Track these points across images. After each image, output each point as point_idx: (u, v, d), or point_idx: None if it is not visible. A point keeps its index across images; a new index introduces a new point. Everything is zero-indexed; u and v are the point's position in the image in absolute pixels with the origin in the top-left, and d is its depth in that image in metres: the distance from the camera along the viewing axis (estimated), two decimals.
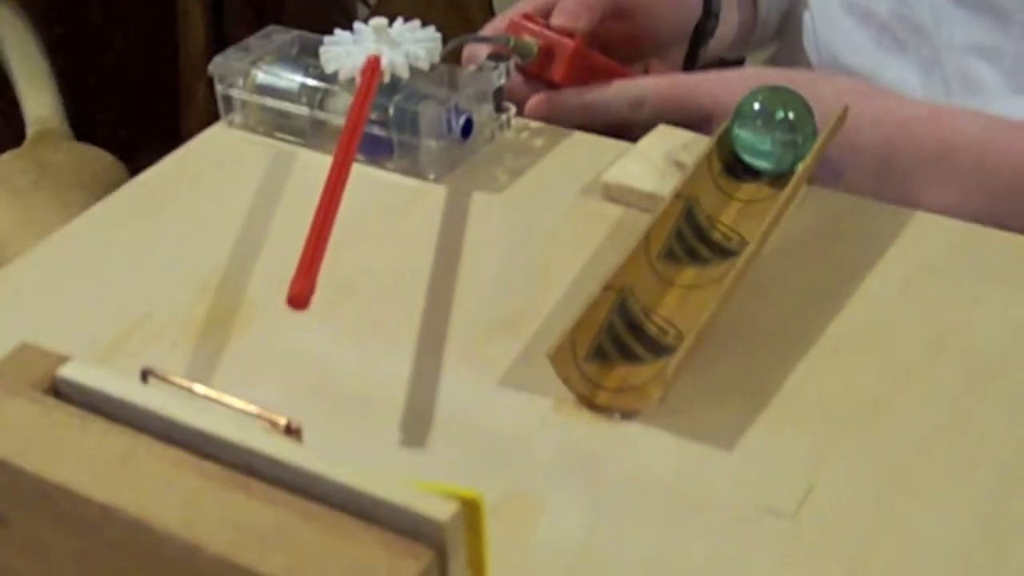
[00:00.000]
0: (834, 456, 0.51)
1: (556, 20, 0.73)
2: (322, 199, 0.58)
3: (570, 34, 0.73)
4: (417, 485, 0.39)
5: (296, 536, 0.38)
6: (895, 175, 0.68)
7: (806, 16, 0.87)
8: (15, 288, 0.63)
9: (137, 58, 1.92)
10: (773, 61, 0.96)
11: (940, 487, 0.49)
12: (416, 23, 0.70)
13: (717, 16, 0.82)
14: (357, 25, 0.70)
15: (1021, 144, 0.67)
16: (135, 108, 1.93)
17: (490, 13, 1.85)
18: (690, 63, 0.83)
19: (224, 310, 0.60)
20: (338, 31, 0.70)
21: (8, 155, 1.28)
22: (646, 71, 0.77)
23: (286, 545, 0.38)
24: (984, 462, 0.50)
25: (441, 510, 0.37)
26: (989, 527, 0.48)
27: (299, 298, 0.53)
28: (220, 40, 1.88)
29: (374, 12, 1.88)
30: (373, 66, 0.66)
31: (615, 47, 0.76)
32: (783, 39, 0.94)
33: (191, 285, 0.62)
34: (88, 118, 1.92)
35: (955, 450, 0.51)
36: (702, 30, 0.82)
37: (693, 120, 0.71)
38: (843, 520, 0.48)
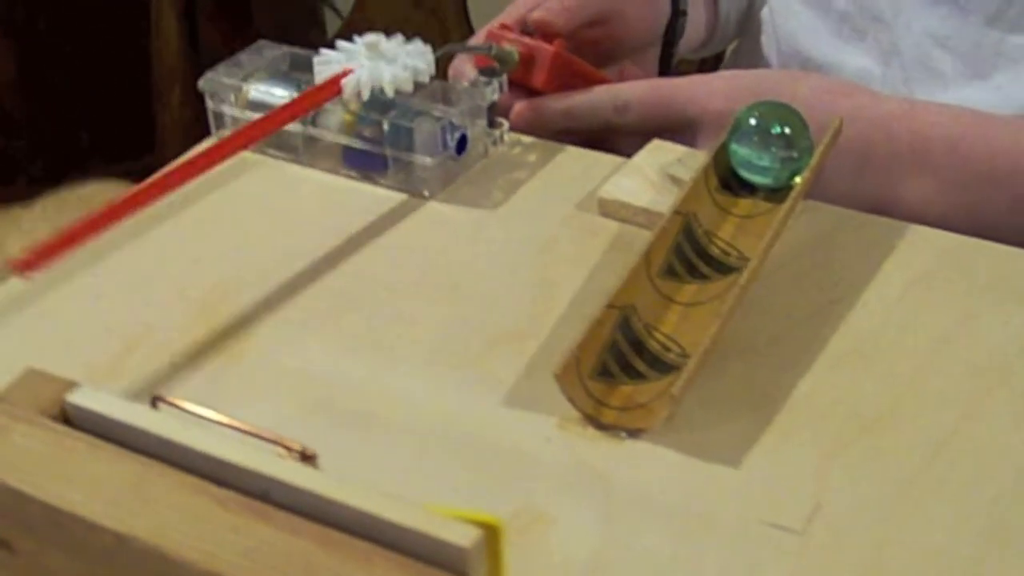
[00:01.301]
0: (840, 470, 0.51)
1: (536, 14, 0.74)
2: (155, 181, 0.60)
3: (549, 40, 0.73)
4: (435, 510, 0.39)
5: (316, 563, 0.38)
6: (873, 171, 0.69)
7: (764, 10, 0.88)
8: (9, 310, 0.62)
9: (110, 66, 1.91)
10: (734, 56, 0.98)
11: (947, 499, 0.50)
12: (400, 38, 0.70)
13: (686, 14, 0.83)
14: (347, 43, 0.70)
15: (993, 135, 0.68)
16: (109, 116, 1.92)
17: (467, 22, 1.85)
18: (665, 63, 0.84)
19: (222, 329, 0.60)
20: (331, 50, 0.70)
21: None
22: (621, 74, 0.77)
23: (306, 573, 0.38)
24: (991, 472, 0.51)
25: (464, 536, 0.37)
26: (998, 538, 0.48)
27: (24, 264, 0.53)
28: (194, 48, 1.88)
29: (348, 22, 1.89)
30: (336, 79, 0.67)
31: (590, 52, 0.77)
32: (742, 36, 0.95)
33: (188, 304, 0.61)
34: (62, 127, 1.92)
35: (961, 462, 0.51)
36: (673, 30, 0.83)
37: (676, 123, 0.72)
38: (851, 535, 0.48)
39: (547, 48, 0.73)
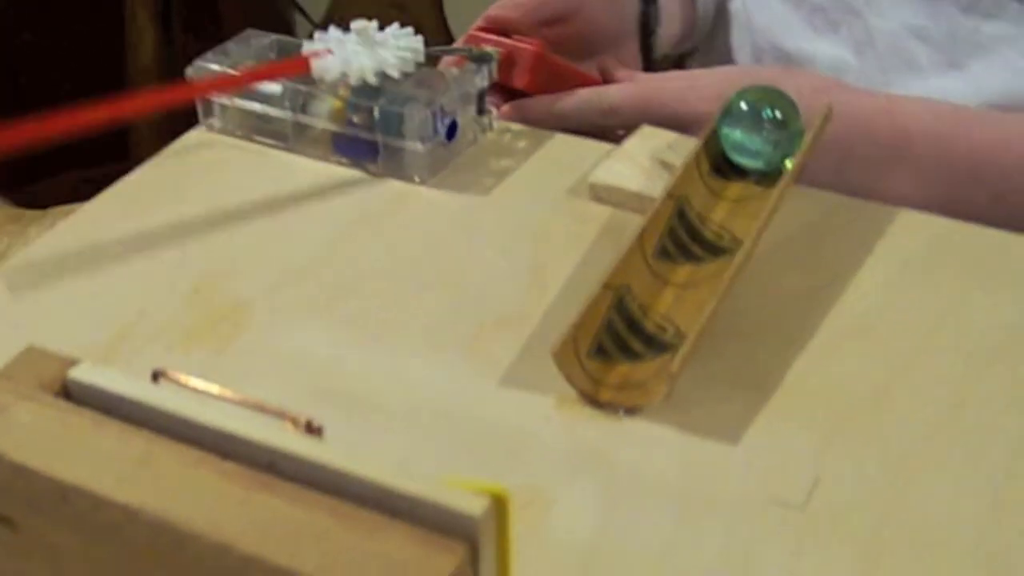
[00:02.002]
0: (838, 447, 0.51)
1: (492, 11, 0.74)
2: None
3: (528, 40, 0.74)
4: (443, 480, 0.39)
5: (327, 534, 0.38)
6: (855, 167, 0.69)
7: (736, 3, 0.88)
8: (3, 295, 0.62)
9: (84, 67, 1.90)
10: (705, 50, 0.98)
11: (944, 472, 0.50)
12: (396, 27, 0.70)
13: (656, 4, 0.83)
14: (338, 31, 0.70)
15: (973, 131, 0.69)
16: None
17: (444, 26, 1.85)
18: (646, 56, 0.84)
19: (217, 313, 0.60)
20: (321, 34, 0.70)
21: None
22: (600, 67, 0.78)
23: (318, 543, 0.38)
24: (986, 445, 0.51)
25: (473, 505, 0.37)
26: (995, 509, 0.49)
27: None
28: (168, 51, 1.87)
29: (323, 23, 1.89)
30: (306, 57, 0.68)
31: (560, 50, 0.77)
32: (713, 30, 0.96)
33: (182, 288, 0.61)
34: None
35: (957, 435, 0.52)
36: (647, 21, 0.84)
37: (664, 124, 0.72)
38: (851, 510, 0.48)
39: (528, 48, 0.73)
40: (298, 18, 2.08)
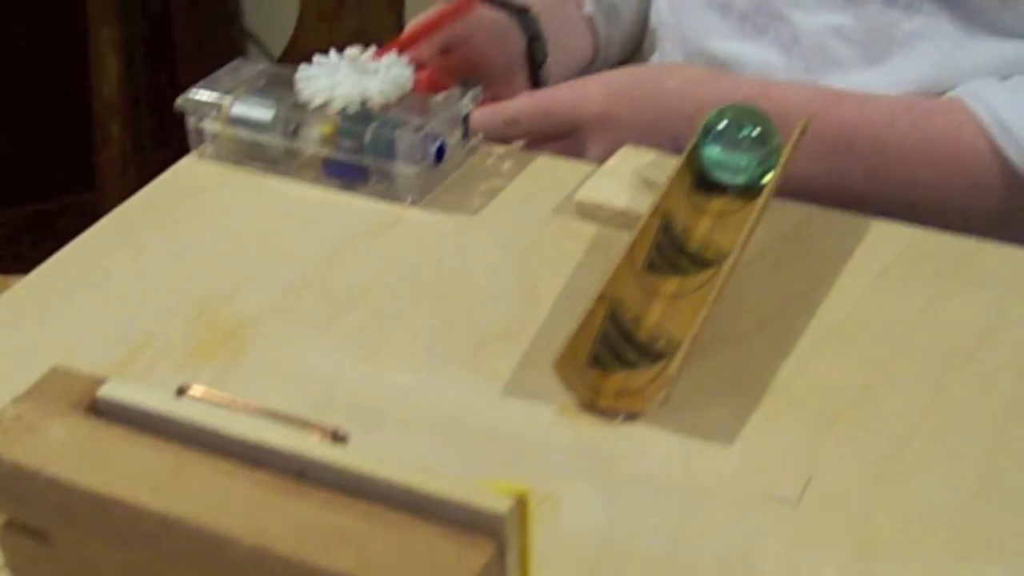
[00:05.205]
0: (828, 445, 0.54)
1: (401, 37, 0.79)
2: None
3: (422, 65, 0.77)
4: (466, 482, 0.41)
5: (361, 535, 0.40)
6: None
7: (666, 15, 0.92)
8: (9, 320, 0.63)
9: (49, 101, 1.90)
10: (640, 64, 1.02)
11: (929, 464, 0.53)
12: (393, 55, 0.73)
13: (541, 38, 0.88)
14: (326, 58, 0.72)
15: (844, 110, 0.75)
16: (47, 151, 1.91)
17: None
18: (535, 85, 0.89)
19: (221, 334, 0.61)
20: (320, 57, 0.72)
21: None
22: (494, 98, 0.81)
23: (354, 543, 0.39)
24: (966, 438, 0.54)
25: (500, 504, 0.39)
26: (977, 496, 0.51)
27: None
28: (134, 82, 1.88)
29: (282, 56, 1.90)
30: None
31: (453, 78, 0.80)
32: (644, 42, 1.00)
33: (185, 311, 0.63)
34: None
35: (938, 430, 0.55)
36: (533, 53, 0.88)
37: (562, 129, 0.77)
38: (844, 504, 0.51)
39: (421, 75, 0.76)
40: (252, 49, 2.09)
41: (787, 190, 0.70)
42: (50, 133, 1.91)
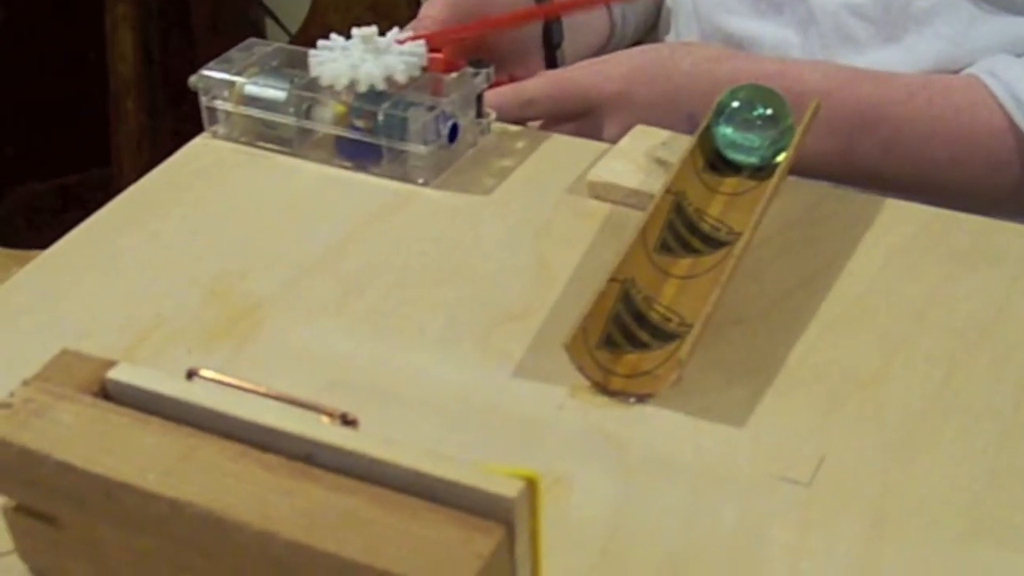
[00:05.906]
0: (840, 426, 0.54)
1: (414, 30, 0.76)
2: None
3: (436, 50, 0.75)
4: (476, 466, 0.41)
5: (370, 519, 0.40)
6: None
7: None
8: (21, 301, 0.63)
9: (64, 78, 1.90)
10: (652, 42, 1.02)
11: (941, 444, 0.53)
12: (396, 30, 0.73)
13: (559, 19, 0.88)
14: (342, 38, 0.72)
15: (859, 87, 0.75)
16: (64, 128, 1.92)
17: None
18: (551, 67, 0.88)
19: (233, 314, 0.61)
20: (326, 41, 0.72)
21: None
22: (511, 79, 0.81)
23: (362, 528, 0.39)
24: (978, 417, 0.54)
25: (510, 488, 0.39)
26: (989, 476, 0.51)
27: None
28: (149, 61, 1.88)
29: (300, 32, 1.90)
30: None
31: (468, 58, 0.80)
32: (659, 23, 1.00)
33: (197, 291, 0.63)
34: (16, 139, 1.91)
35: (950, 409, 0.55)
36: (549, 36, 0.88)
37: (580, 110, 0.77)
38: (856, 484, 0.51)
39: (437, 58, 0.74)
40: (269, 24, 2.09)
41: (802, 168, 0.70)
42: (66, 109, 1.92)
